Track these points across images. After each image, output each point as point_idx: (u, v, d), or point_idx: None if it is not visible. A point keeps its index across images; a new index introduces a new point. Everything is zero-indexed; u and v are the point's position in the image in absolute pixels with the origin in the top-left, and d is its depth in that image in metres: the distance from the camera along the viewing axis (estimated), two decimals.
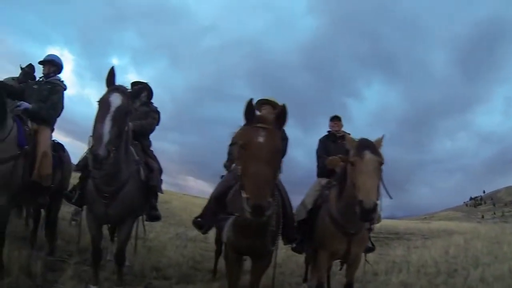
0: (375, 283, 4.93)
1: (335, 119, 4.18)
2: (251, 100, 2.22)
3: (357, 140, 2.81)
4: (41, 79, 3.90)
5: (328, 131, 4.20)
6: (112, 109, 2.52)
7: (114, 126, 2.46)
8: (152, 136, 4.04)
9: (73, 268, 3.45)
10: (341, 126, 4.18)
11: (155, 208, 3.63)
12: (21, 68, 4.87)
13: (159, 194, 3.68)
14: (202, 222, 3.22)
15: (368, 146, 2.68)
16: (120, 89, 2.72)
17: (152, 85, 4.14)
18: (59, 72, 3.97)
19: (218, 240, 4.24)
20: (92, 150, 2.33)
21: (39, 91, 3.75)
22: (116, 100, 2.58)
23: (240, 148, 2.13)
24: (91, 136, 2.51)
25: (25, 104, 3.51)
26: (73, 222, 5.77)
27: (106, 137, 2.36)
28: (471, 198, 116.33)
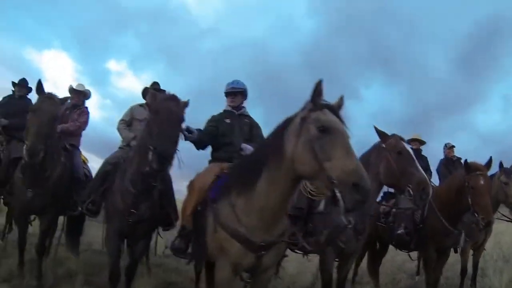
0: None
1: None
2: (466, 160, 4.03)
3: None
4: (230, 111, 3.51)
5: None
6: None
7: None
8: None
9: None
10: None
11: None
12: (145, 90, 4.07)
13: None
14: None
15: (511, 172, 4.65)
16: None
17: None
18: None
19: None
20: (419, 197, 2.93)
21: (240, 127, 3.43)
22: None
23: (470, 188, 3.85)
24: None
25: (249, 147, 3.21)
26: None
27: None
28: None
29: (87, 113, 4.58)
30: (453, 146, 5.89)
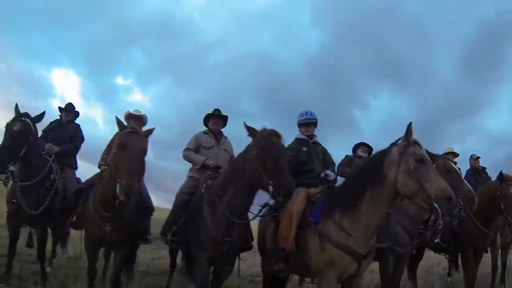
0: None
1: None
2: (501, 172, 4.65)
3: None
4: (305, 140, 3.86)
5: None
6: None
7: None
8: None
9: None
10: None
11: None
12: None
13: None
14: None
15: None
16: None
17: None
18: None
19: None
20: None
21: (316, 155, 3.86)
22: None
23: (502, 196, 4.48)
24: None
25: (331, 173, 3.54)
26: None
27: None
28: None
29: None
30: (479, 157, 6.59)
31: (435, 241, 5.14)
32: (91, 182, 3.89)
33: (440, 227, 3.29)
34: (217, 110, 4.34)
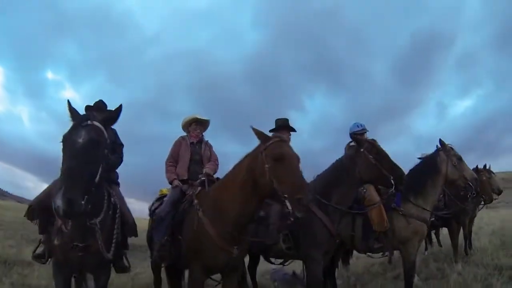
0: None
1: None
2: (477, 166, 6.38)
3: None
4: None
5: None
6: None
7: None
8: None
9: None
10: None
11: None
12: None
13: None
14: None
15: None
16: None
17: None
18: None
19: None
20: None
21: None
22: None
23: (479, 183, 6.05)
24: None
25: None
26: None
27: None
28: None
29: (212, 146, 4.30)
30: None
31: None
32: (175, 201, 3.64)
33: (475, 196, 4.96)
34: (287, 120, 4.45)
